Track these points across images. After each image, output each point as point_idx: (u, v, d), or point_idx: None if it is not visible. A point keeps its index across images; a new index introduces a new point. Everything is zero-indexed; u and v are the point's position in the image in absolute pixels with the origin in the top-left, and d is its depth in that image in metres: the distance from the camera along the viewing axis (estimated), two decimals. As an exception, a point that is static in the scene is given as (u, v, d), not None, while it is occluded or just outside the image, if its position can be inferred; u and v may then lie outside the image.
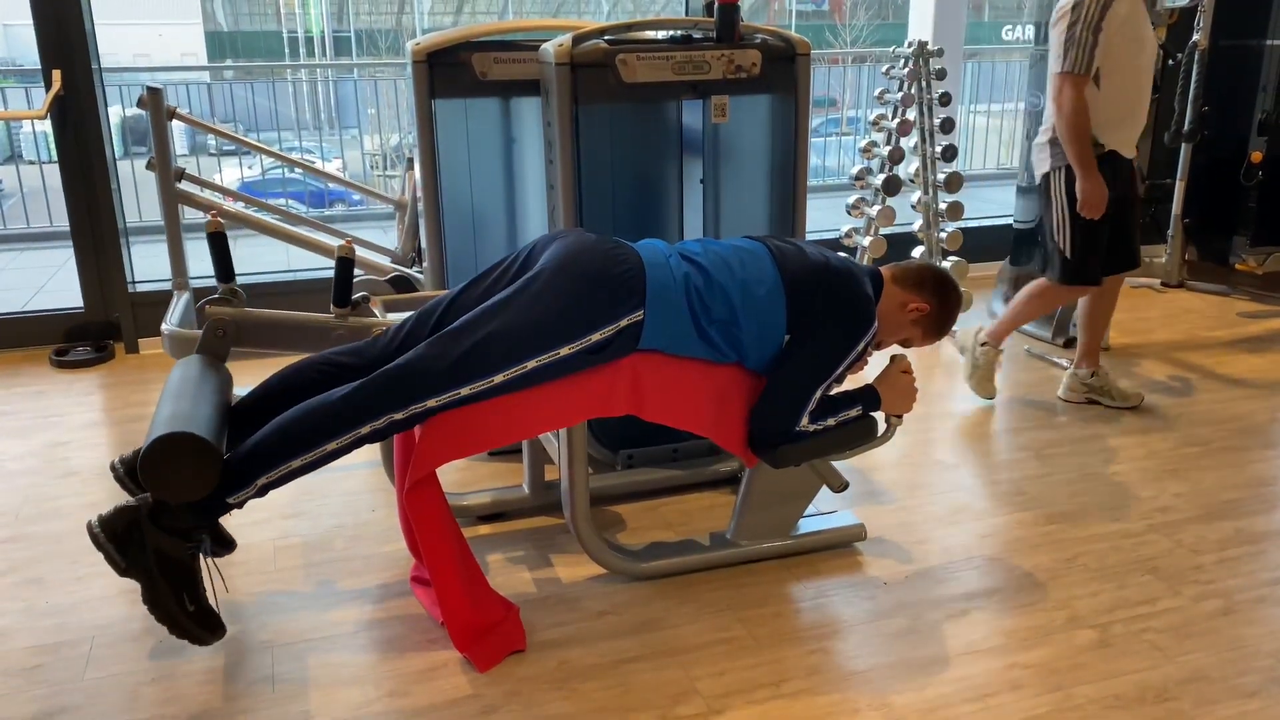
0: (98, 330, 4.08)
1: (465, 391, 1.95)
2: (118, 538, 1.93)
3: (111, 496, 2.83)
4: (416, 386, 1.93)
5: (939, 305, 2.25)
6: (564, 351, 1.98)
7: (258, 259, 5.99)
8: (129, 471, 2.06)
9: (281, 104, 9.68)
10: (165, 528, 1.94)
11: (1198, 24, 4.06)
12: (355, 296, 2.33)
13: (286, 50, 20.25)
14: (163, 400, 2.03)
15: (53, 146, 4.20)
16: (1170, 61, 4.27)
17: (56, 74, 3.79)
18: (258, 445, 1.98)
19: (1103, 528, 2.63)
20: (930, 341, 2.32)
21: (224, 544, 2.19)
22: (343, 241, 2.39)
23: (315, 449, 1.96)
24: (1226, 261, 4.59)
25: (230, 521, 2.69)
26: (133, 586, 2.36)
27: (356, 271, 2.63)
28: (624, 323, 2.01)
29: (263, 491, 1.99)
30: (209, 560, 2.08)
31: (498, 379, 1.96)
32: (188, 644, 2.14)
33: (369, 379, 1.97)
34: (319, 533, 2.64)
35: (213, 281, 2.31)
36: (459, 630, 2.10)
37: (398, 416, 1.95)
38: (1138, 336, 4.16)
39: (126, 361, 3.98)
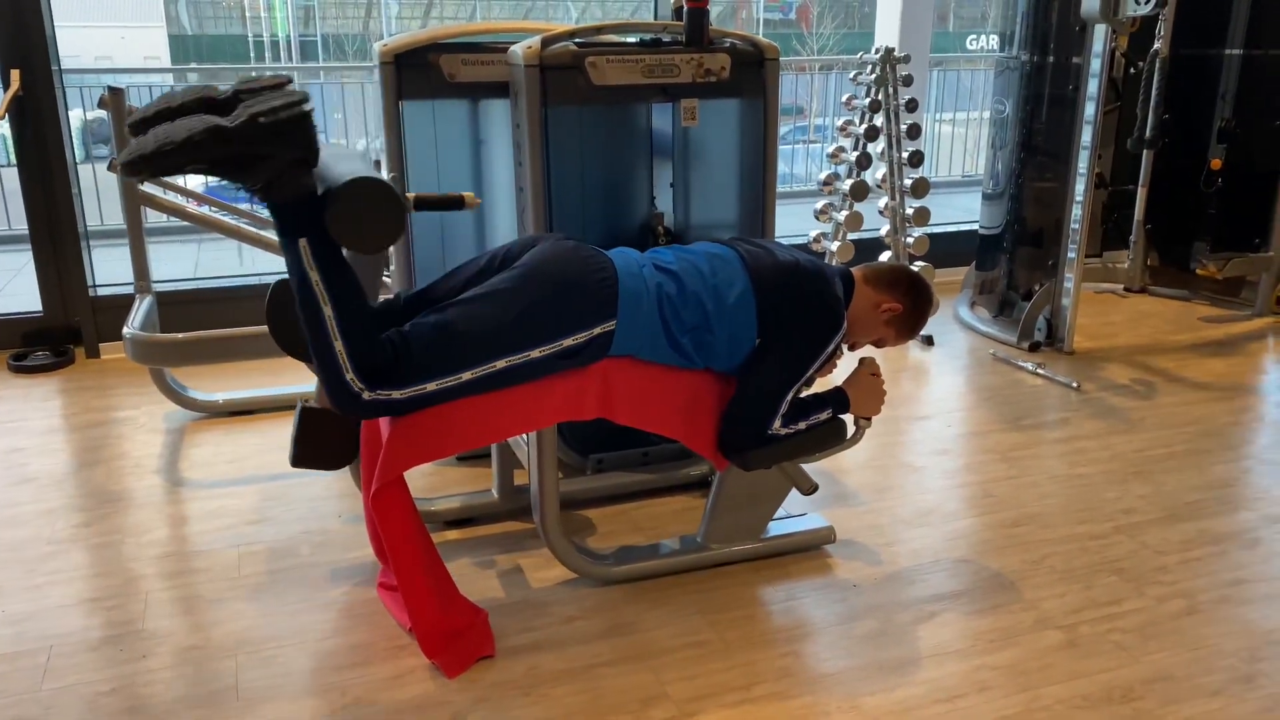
0: (57, 335, 4.01)
1: (431, 387, 1.93)
2: (297, 126, 1.77)
3: (70, 503, 2.79)
4: (382, 375, 1.90)
5: (912, 305, 2.26)
6: (534, 354, 1.97)
7: (219, 263, 5.92)
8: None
9: (246, 107, 9.57)
10: (293, 174, 1.81)
11: (1159, 32, 4.12)
12: None
13: (252, 54, 20.07)
14: (351, 158, 1.96)
15: (11, 148, 4.13)
16: (1131, 69, 4.33)
17: (15, 74, 3.73)
18: (348, 270, 1.90)
19: (1069, 529, 2.65)
20: (903, 341, 2.33)
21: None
22: None
23: (337, 328, 1.87)
24: (1188, 267, 4.66)
25: (193, 527, 2.66)
26: (92, 595, 2.33)
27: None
28: (596, 331, 2.00)
29: (300, 276, 1.85)
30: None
31: (465, 376, 1.94)
32: (147, 653, 2.11)
33: (360, 345, 1.91)
34: (284, 539, 2.60)
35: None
36: (427, 636, 2.07)
37: (365, 395, 1.91)
38: (1102, 341, 4.21)
39: (87, 366, 3.92)
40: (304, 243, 1.84)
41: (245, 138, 1.73)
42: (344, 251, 1.88)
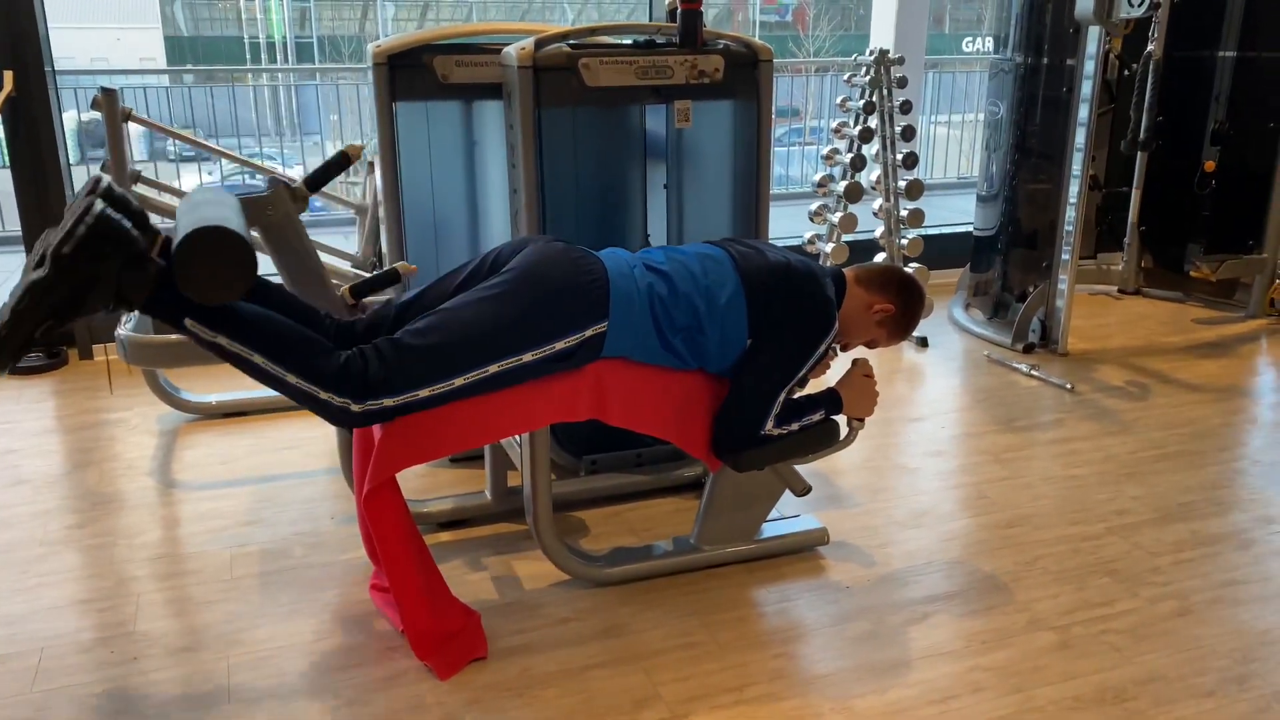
0: (51, 336, 3.99)
1: (424, 393, 1.93)
2: (98, 232, 1.69)
3: (63, 505, 2.78)
4: (372, 383, 1.90)
5: (904, 306, 2.26)
6: (527, 358, 1.97)
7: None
8: (116, 202, 1.77)
9: (242, 109, 9.58)
10: (130, 272, 1.74)
11: (1152, 34, 4.13)
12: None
13: (248, 55, 20.06)
14: (197, 205, 1.89)
15: (4, 149, 4.13)
16: (1125, 71, 4.34)
17: (8, 75, 3.72)
18: (245, 315, 1.87)
19: (1062, 530, 2.65)
20: (895, 342, 2.33)
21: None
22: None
23: (278, 366, 1.87)
24: (1181, 269, 4.66)
25: (186, 529, 2.66)
26: (84, 597, 2.33)
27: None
28: (588, 333, 2.00)
29: (213, 347, 1.86)
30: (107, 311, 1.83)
31: (458, 382, 1.94)
32: (139, 655, 2.10)
33: (341, 360, 1.92)
34: (277, 540, 2.60)
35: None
36: (419, 638, 2.07)
37: (354, 408, 1.91)
38: (1096, 342, 4.22)
39: (80, 368, 3.91)
40: (189, 322, 1.82)
41: (63, 278, 1.68)
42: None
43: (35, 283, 1.69)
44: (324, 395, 1.88)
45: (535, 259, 2.02)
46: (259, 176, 7.88)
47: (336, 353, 1.91)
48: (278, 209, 2.16)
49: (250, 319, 1.87)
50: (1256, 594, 2.35)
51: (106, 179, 1.79)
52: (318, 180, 2.25)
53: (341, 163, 2.27)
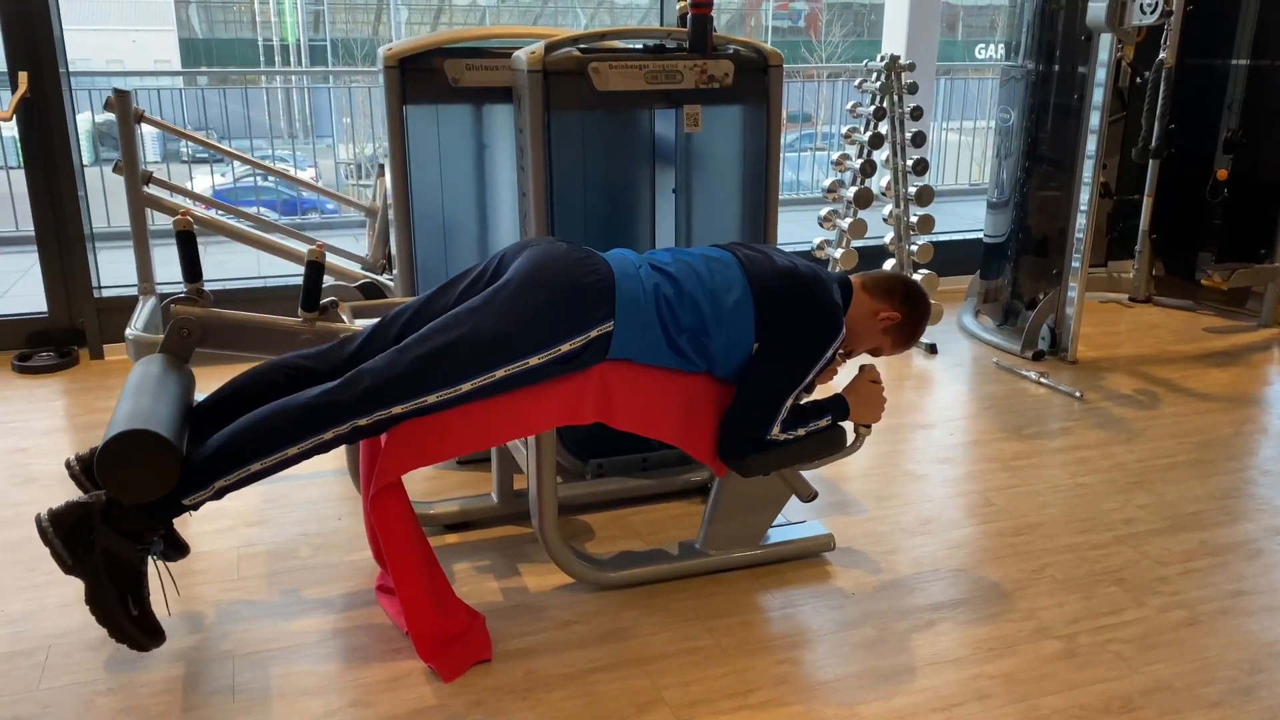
0: (62, 336, 4.03)
1: (432, 399, 1.94)
2: (66, 534, 1.89)
3: (72, 503, 2.79)
4: (382, 393, 1.91)
5: (910, 314, 2.26)
6: (533, 361, 1.97)
7: (226, 265, 5.94)
8: (85, 469, 2.02)
9: (255, 111, 9.62)
10: (117, 527, 1.91)
11: (1164, 42, 4.11)
12: (324, 301, 2.31)
13: (261, 58, 20.15)
14: (123, 397, 2.00)
15: (18, 150, 4.15)
16: (1138, 79, 4.33)
17: (23, 76, 3.75)
18: (219, 447, 1.95)
19: (1069, 539, 2.64)
20: (900, 350, 2.33)
21: (178, 548, 2.15)
22: (314, 245, 2.37)
23: (276, 453, 1.93)
24: (1193, 277, 4.64)
25: (193, 529, 2.66)
26: (91, 594, 2.34)
27: (326, 278, 2.60)
28: (594, 334, 2.00)
29: (220, 494, 1.96)
30: (160, 564, 2.04)
31: (465, 387, 1.94)
32: (144, 654, 2.11)
33: (334, 384, 1.95)
34: (283, 540, 2.61)
35: (177, 288, 2.28)
36: (424, 639, 2.07)
37: (362, 423, 1.93)
38: (1105, 350, 4.20)
39: (91, 367, 3.93)
40: (185, 502, 1.95)
41: (89, 578, 1.92)
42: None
43: (89, 601, 1.93)
44: (329, 436, 1.94)
45: (538, 261, 2.03)
46: (270, 179, 7.88)
47: (327, 388, 1.96)
48: (192, 329, 2.20)
49: (229, 447, 1.95)
50: (1265, 604, 2.34)
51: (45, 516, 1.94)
52: (196, 277, 2.29)
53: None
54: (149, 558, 1.97)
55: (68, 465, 2.05)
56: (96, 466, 1.85)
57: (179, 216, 2.27)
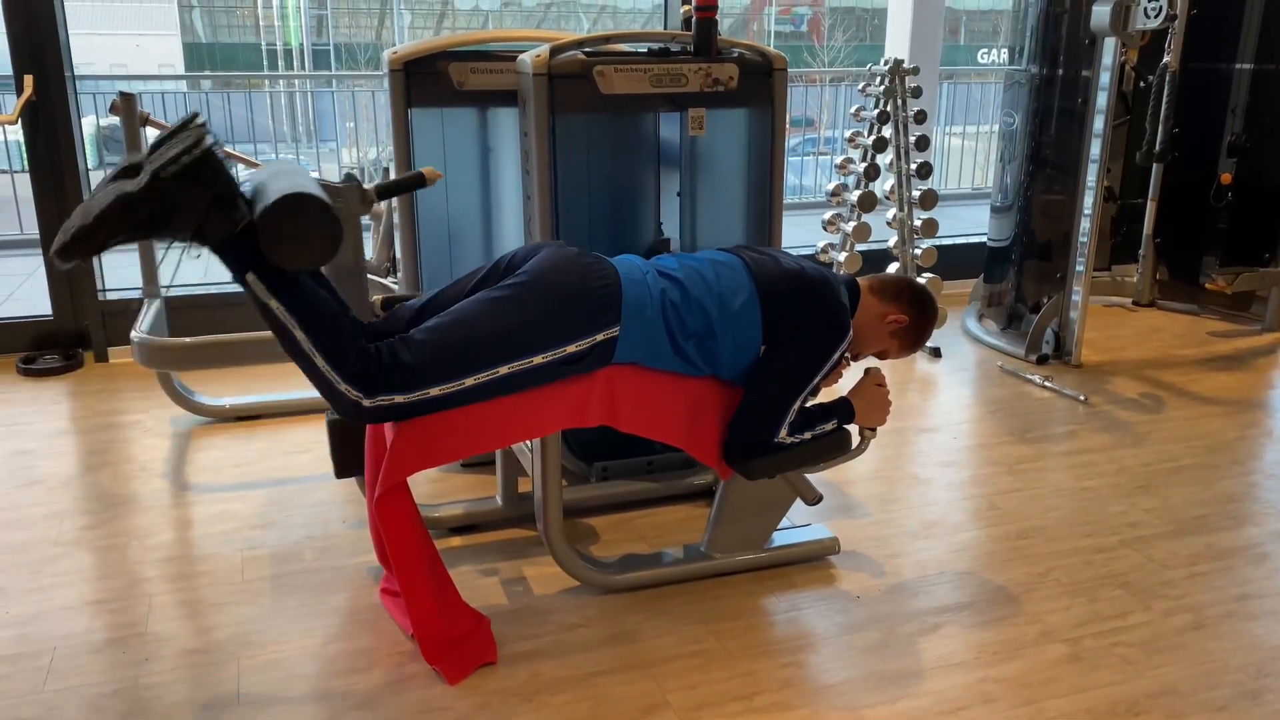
0: (66, 338, 4.03)
1: (434, 392, 1.93)
2: (201, 173, 1.72)
3: (76, 506, 2.80)
4: (385, 381, 1.91)
5: (917, 317, 2.26)
6: (538, 360, 1.97)
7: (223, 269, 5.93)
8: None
9: (259, 115, 9.64)
10: (213, 219, 1.75)
11: (1168, 46, 4.12)
12: None
13: (265, 62, 20.19)
14: (284, 173, 1.92)
15: (24, 154, 4.16)
16: (1141, 83, 4.33)
17: (29, 80, 3.76)
18: (298, 283, 1.88)
19: (1074, 542, 2.64)
20: (907, 354, 2.33)
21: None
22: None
23: (313, 347, 1.87)
24: (1197, 281, 4.64)
25: (197, 531, 2.67)
26: (96, 598, 2.34)
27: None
28: (599, 337, 2.00)
29: (263, 309, 1.85)
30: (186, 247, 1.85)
31: (468, 382, 1.94)
32: (150, 656, 2.11)
33: (355, 357, 1.92)
34: (288, 543, 2.61)
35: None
36: (429, 642, 2.07)
37: (365, 403, 1.92)
38: (1110, 354, 4.20)
39: (95, 370, 3.93)
40: (251, 277, 1.83)
41: (154, 196, 1.70)
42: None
43: (126, 194, 1.70)
44: (342, 386, 1.89)
45: (549, 263, 2.03)
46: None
47: (363, 347, 1.92)
48: (347, 204, 2.17)
49: (306, 293, 1.88)
50: (1270, 608, 2.34)
51: (203, 120, 1.79)
52: (387, 190, 2.29)
53: (415, 182, 2.30)
54: (176, 242, 1.79)
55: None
56: (265, 217, 1.74)
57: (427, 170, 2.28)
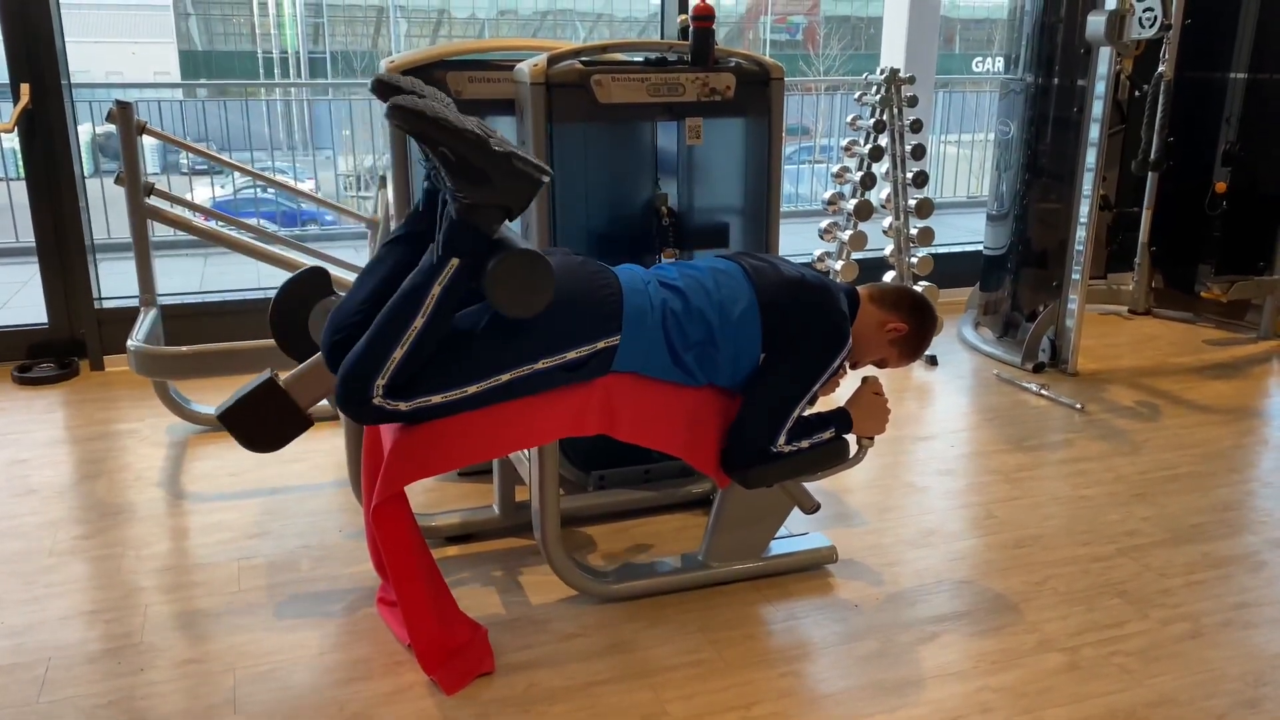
0: (62, 347, 4.02)
1: (436, 399, 1.93)
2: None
3: (71, 516, 2.79)
4: (389, 386, 1.90)
5: (916, 326, 2.26)
6: (540, 365, 1.97)
7: (225, 276, 5.94)
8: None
9: (255, 123, 9.63)
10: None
11: (1163, 55, 4.13)
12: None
13: (261, 70, 20.20)
14: (520, 237, 2.02)
15: (20, 163, 4.16)
16: (1136, 92, 4.35)
17: (25, 88, 3.76)
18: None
19: (1072, 551, 2.64)
20: (906, 363, 2.33)
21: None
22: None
23: (416, 335, 1.90)
24: (1192, 289, 4.65)
25: (193, 540, 2.67)
26: (91, 608, 2.33)
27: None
28: (600, 345, 2.00)
29: (429, 286, 1.90)
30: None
31: (470, 389, 1.94)
32: (145, 666, 2.10)
33: (410, 367, 1.92)
34: (284, 553, 2.60)
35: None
36: (426, 652, 2.07)
37: (374, 402, 1.90)
38: (1106, 362, 4.20)
39: (91, 379, 3.92)
40: (455, 263, 1.87)
41: (495, 163, 1.83)
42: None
43: (487, 143, 1.84)
44: (380, 380, 1.89)
45: (556, 269, 2.02)
46: (270, 191, 7.88)
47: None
48: None
49: (456, 310, 1.94)
50: (1268, 616, 2.34)
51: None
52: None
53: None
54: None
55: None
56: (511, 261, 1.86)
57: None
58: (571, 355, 1.98)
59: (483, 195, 1.84)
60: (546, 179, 1.88)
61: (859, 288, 2.28)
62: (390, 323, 1.88)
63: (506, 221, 1.91)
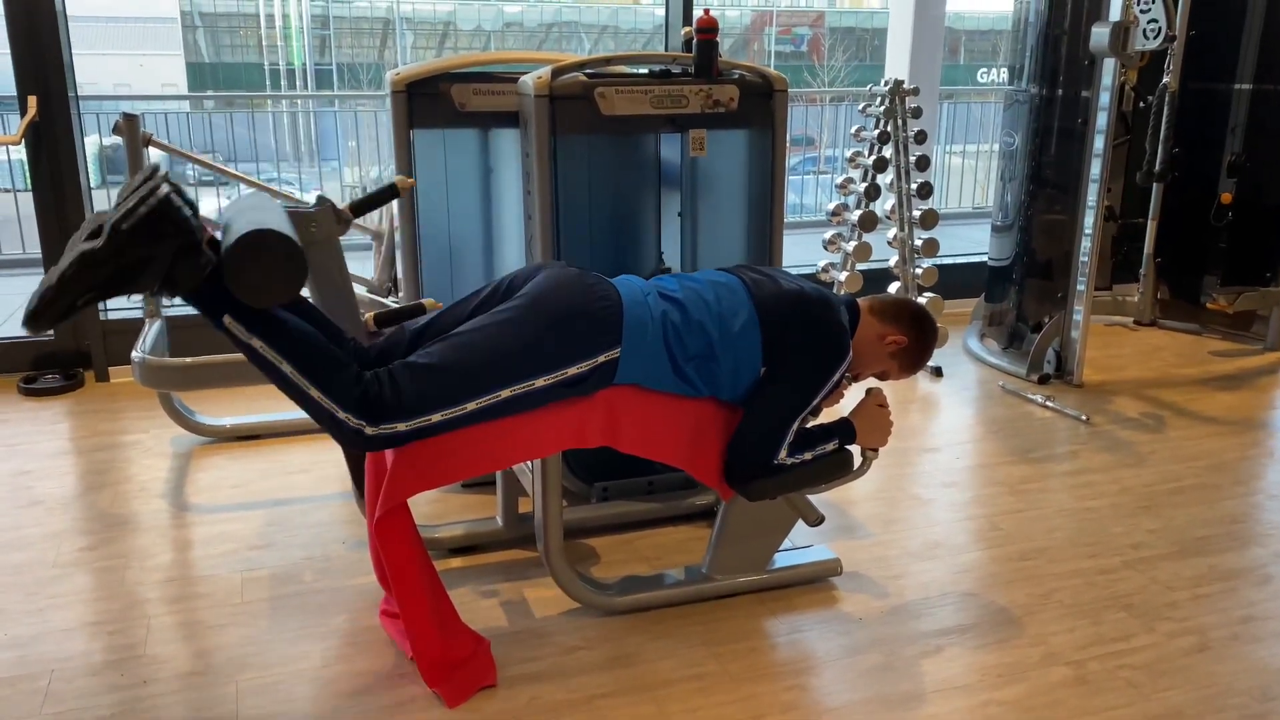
0: (67, 358, 4.03)
1: (436, 418, 1.93)
2: (161, 224, 1.69)
3: (75, 527, 2.79)
4: (387, 408, 1.90)
5: (916, 338, 2.25)
6: (539, 383, 1.97)
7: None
8: (178, 190, 1.76)
9: (261, 135, 9.67)
10: (179, 261, 1.74)
11: (1168, 67, 4.13)
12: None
13: (268, 82, 20.29)
14: (249, 209, 1.91)
15: (27, 174, 4.17)
16: (1141, 103, 4.34)
17: (32, 100, 3.77)
18: (279, 319, 1.88)
19: (1077, 564, 2.63)
20: (907, 375, 2.32)
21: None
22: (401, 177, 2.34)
23: (305, 380, 1.87)
24: (1198, 300, 4.64)
25: (196, 552, 2.66)
26: (95, 619, 2.33)
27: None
28: (601, 359, 2.00)
29: (248, 350, 1.86)
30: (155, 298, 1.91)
31: (470, 406, 1.94)
32: (149, 678, 2.10)
33: (353, 386, 1.92)
34: (287, 564, 2.60)
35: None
36: (428, 665, 2.06)
37: (368, 431, 1.91)
38: (1111, 374, 4.19)
39: (96, 390, 3.93)
40: (228, 319, 1.83)
41: (116, 252, 1.69)
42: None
43: (87, 253, 1.68)
44: (342, 415, 1.89)
45: (550, 284, 2.03)
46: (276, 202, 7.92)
47: (359, 373, 1.92)
48: (322, 227, 2.18)
49: (287, 327, 1.88)
50: (1275, 630, 2.32)
51: (166, 169, 1.79)
52: (362, 206, 2.29)
53: (388, 194, 2.30)
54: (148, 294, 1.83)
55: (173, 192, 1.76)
56: (230, 256, 1.74)
57: (400, 179, 2.29)
58: (572, 371, 1.98)
59: (154, 272, 1.73)
60: (162, 191, 1.70)
61: (859, 299, 2.28)
62: (282, 386, 1.89)
63: (206, 252, 1.77)
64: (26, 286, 6.74)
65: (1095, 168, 3.86)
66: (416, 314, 2.28)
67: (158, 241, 1.71)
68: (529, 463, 2.38)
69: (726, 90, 2.52)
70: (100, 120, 7.01)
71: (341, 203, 2.25)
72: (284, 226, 1.83)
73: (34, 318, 1.71)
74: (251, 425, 3.47)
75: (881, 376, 2.32)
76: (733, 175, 2.70)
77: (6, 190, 7.43)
